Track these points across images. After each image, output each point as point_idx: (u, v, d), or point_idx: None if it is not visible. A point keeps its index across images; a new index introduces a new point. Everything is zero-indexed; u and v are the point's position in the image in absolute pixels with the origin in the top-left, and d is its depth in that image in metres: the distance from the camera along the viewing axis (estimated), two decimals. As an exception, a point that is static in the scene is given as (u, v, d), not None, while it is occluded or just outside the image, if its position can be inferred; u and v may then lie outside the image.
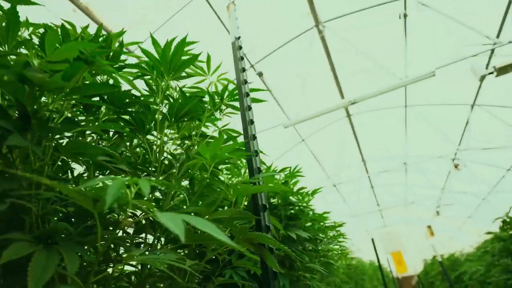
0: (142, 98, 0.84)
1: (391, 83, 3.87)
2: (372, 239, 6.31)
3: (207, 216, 0.58)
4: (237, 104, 0.87)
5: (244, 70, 0.86)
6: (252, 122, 0.77)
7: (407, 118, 6.48)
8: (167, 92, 0.87)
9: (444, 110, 6.14)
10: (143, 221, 0.82)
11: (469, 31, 3.85)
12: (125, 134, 0.90)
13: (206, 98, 0.98)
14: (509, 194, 8.04)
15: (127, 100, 0.78)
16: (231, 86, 0.90)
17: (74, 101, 0.70)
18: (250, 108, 0.79)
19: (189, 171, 0.76)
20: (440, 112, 6.18)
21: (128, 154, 0.87)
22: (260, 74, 4.90)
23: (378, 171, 8.37)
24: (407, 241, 10.48)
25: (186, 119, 0.77)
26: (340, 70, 5.08)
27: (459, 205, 10.33)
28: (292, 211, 1.36)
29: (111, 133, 1.00)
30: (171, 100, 0.79)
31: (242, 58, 0.87)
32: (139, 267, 0.71)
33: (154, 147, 0.85)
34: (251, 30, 3.98)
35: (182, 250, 1.13)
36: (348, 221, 2.45)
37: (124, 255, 0.48)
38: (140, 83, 1.05)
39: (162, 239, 0.97)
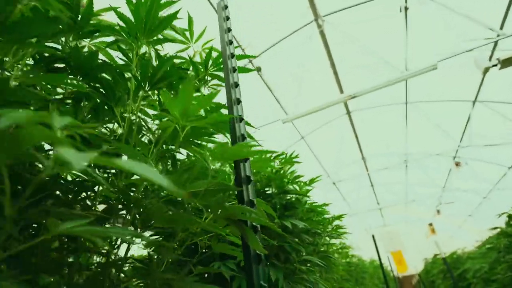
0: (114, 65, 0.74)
1: (392, 77, 3.77)
2: (373, 236, 6.22)
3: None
4: (223, 74, 0.78)
5: (229, 30, 0.76)
6: (237, 85, 0.68)
7: (407, 115, 6.39)
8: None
9: (445, 106, 6.05)
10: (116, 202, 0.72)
11: (471, 23, 3.75)
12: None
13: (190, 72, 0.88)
14: (510, 192, 7.94)
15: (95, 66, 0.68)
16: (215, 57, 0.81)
17: (25, 54, 0.60)
18: (235, 70, 0.69)
19: (166, 146, 0.66)
20: (441, 108, 6.08)
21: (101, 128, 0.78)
22: (258, 69, 4.80)
23: (378, 168, 8.28)
24: (407, 240, 10.39)
25: (162, 85, 0.68)
26: (340, 65, 4.99)
27: (460, 203, 10.24)
28: (288, 200, 1.27)
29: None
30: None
31: (227, 18, 0.78)
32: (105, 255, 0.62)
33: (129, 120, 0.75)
34: (250, 24, 3.87)
35: (176, 244, 1.03)
36: (348, 220, 2.35)
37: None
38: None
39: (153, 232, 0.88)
